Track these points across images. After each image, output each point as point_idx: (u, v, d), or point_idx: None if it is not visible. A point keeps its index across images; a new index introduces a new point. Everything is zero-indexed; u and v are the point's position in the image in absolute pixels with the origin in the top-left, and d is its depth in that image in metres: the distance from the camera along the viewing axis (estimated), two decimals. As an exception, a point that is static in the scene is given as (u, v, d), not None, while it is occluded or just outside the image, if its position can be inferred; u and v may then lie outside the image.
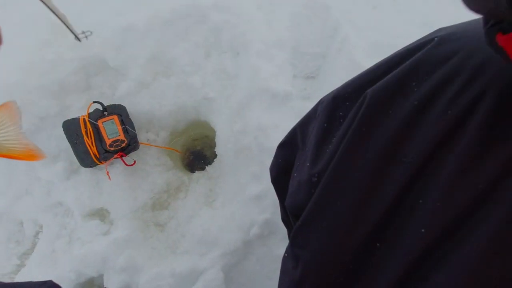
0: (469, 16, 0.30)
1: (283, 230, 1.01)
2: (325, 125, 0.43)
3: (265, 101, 1.08)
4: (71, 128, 1.00)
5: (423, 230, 0.30)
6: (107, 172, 1.02)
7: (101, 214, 1.07)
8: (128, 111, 1.05)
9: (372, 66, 0.43)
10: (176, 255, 1.01)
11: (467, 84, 0.33)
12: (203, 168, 1.16)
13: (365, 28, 1.24)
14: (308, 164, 0.43)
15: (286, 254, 0.44)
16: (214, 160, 1.13)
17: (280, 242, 0.99)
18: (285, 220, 0.59)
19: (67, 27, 0.92)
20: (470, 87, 0.33)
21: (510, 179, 0.28)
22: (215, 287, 0.91)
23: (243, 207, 1.00)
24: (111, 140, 1.00)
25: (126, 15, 1.12)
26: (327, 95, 0.46)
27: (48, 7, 0.70)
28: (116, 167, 1.05)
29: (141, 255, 0.98)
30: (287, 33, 1.25)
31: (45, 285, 0.66)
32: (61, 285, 0.72)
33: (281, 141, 0.57)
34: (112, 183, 1.04)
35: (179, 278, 0.94)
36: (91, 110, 1.03)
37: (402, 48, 0.42)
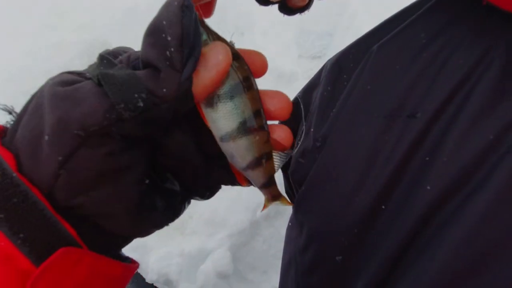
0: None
1: (289, 211, 1.00)
2: (329, 88, 0.41)
3: (270, 81, 1.07)
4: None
5: (428, 187, 0.28)
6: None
7: (109, 197, 1.08)
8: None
9: (380, 24, 0.41)
10: (184, 235, 1.01)
11: (478, 36, 0.31)
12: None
13: (375, 4, 1.20)
14: (312, 129, 0.41)
15: (290, 224, 0.43)
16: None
17: (286, 222, 0.98)
18: (289, 192, 0.57)
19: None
20: (482, 37, 0.31)
21: None
22: (223, 266, 0.91)
23: (250, 188, 0.99)
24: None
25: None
26: (331, 58, 0.44)
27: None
28: (122, 150, 1.06)
29: (150, 235, 0.99)
30: (292, 12, 1.22)
31: None
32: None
33: None
34: (119, 165, 1.04)
35: (188, 258, 0.94)
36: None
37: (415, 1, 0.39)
